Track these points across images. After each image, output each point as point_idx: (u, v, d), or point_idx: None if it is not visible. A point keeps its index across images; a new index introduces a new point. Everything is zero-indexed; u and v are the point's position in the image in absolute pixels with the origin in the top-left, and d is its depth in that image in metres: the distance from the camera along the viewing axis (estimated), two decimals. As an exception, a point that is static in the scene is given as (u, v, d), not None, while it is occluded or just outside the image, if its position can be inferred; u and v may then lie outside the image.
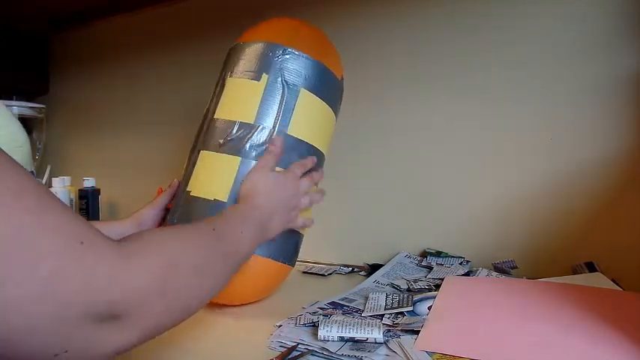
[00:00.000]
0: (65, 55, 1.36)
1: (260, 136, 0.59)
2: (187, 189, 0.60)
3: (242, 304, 0.63)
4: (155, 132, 1.16)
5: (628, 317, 0.51)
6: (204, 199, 0.58)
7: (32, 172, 0.49)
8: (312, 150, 0.64)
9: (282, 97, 0.60)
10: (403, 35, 0.85)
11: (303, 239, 0.68)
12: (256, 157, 0.58)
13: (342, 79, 0.70)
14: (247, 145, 0.58)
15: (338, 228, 0.91)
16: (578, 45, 0.72)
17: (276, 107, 0.60)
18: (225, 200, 0.57)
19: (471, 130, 0.80)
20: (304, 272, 0.84)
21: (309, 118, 0.63)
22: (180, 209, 0.60)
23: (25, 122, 1.25)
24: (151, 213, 0.62)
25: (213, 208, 0.57)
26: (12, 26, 1.23)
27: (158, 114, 1.17)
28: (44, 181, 1.20)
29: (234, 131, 0.59)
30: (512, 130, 0.77)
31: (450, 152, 0.82)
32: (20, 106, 1.21)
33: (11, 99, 1.21)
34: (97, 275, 0.28)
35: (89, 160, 1.30)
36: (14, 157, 0.28)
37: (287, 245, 0.63)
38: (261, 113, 0.59)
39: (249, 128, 0.59)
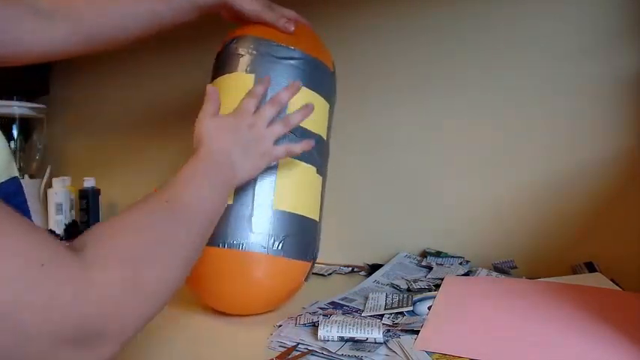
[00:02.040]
0: (65, 55, 1.36)
1: None
2: None
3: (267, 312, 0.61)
4: (155, 132, 1.16)
5: (628, 317, 0.51)
6: None
7: (15, 177, 0.49)
8: (307, 133, 0.61)
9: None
10: (404, 35, 0.85)
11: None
12: None
13: (334, 69, 0.69)
14: None
15: (338, 228, 0.91)
16: (578, 45, 0.72)
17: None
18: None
19: (471, 130, 0.80)
20: (304, 272, 0.84)
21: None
22: None
23: (26, 122, 1.25)
24: None
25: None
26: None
27: (158, 114, 1.16)
28: (44, 181, 1.20)
29: None
30: (512, 130, 0.77)
31: (450, 152, 0.82)
32: (20, 106, 1.21)
33: (11, 99, 1.21)
34: (60, 298, 0.26)
35: (89, 160, 1.30)
36: None
37: (296, 240, 0.58)
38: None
39: None
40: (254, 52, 0.61)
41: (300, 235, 0.59)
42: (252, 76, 0.59)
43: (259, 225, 0.56)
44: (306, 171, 0.61)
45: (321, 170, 0.65)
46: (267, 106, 0.55)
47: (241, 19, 0.64)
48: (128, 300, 0.30)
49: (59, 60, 0.60)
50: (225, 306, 0.59)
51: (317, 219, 0.63)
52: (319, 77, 0.64)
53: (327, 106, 0.67)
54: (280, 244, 0.56)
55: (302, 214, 0.59)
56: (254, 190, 0.57)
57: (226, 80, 0.61)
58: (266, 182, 0.57)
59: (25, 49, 0.53)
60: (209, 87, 0.55)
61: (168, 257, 0.36)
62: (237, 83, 0.60)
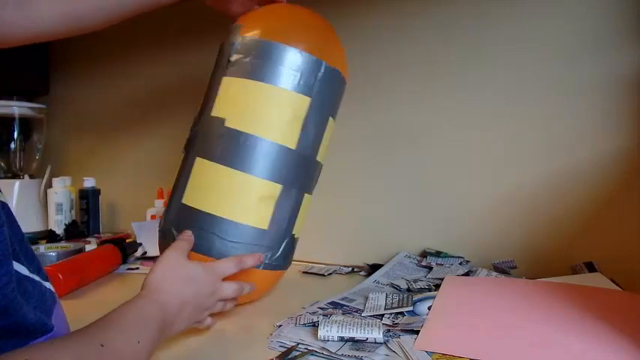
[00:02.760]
0: (65, 55, 1.36)
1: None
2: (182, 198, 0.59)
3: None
4: (155, 132, 1.16)
5: (627, 317, 0.51)
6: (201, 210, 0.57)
7: None
8: (317, 165, 0.65)
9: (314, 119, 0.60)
10: (404, 35, 0.85)
11: (303, 239, 0.68)
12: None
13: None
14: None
15: (338, 228, 0.91)
16: (578, 45, 0.72)
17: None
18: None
19: (470, 130, 0.80)
20: (304, 272, 0.84)
21: (324, 139, 0.64)
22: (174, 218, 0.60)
23: (26, 122, 1.25)
24: None
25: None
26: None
27: (159, 114, 1.16)
28: (44, 181, 1.20)
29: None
30: (511, 130, 0.77)
31: (449, 152, 0.82)
32: (20, 106, 1.21)
33: (11, 99, 1.21)
34: None
35: (89, 160, 1.30)
36: None
37: (290, 252, 0.64)
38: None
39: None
40: (261, 56, 0.58)
41: (293, 251, 0.65)
42: (253, 82, 0.58)
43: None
44: (309, 201, 0.66)
45: (312, 191, 0.67)
46: (233, 285, 0.53)
47: (220, 6, 0.64)
48: None
49: (43, 43, 0.59)
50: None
51: (298, 234, 0.66)
52: (336, 92, 0.64)
53: (334, 124, 0.67)
54: (287, 261, 0.63)
55: (298, 236, 0.65)
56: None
57: (233, 83, 0.59)
58: (297, 212, 0.62)
59: (5, 32, 0.53)
60: (187, 232, 0.56)
61: None
62: (240, 89, 0.59)
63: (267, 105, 0.58)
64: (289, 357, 0.45)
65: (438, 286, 0.65)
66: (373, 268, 0.81)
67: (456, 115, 0.81)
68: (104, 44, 1.27)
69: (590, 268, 0.69)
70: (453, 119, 0.81)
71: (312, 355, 0.46)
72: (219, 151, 0.57)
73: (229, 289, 0.52)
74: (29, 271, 0.38)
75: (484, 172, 0.79)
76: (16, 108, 1.21)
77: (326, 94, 0.61)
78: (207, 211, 0.57)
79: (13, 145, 1.22)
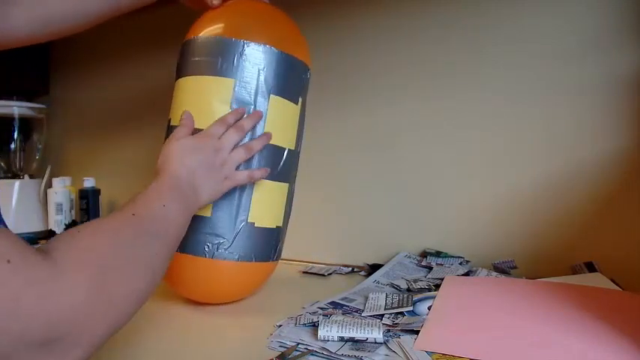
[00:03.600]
0: (65, 55, 1.36)
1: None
2: None
3: (222, 304, 0.64)
4: (156, 132, 1.16)
5: (627, 317, 0.51)
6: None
7: None
8: (275, 149, 0.63)
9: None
10: (403, 34, 0.85)
11: (303, 239, 0.68)
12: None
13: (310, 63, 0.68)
14: None
15: (338, 228, 0.91)
16: (578, 45, 0.72)
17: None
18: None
19: (470, 130, 0.80)
20: (304, 272, 0.84)
21: (282, 122, 0.63)
22: None
23: (26, 122, 1.25)
24: None
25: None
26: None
27: (159, 114, 1.16)
28: (44, 181, 1.20)
29: None
30: (512, 130, 0.77)
31: (449, 152, 0.82)
32: (20, 107, 1.22)
33: (11, 99, 1.21)
34: (26, 298, 0.26)
35: (89, 160, 1.30)
36: None
37: (258, 243, 0.61)
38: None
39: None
40: (221, 55, 0.59)
41: (269, 242, 0.63)
42: (212, 78, 0.59)
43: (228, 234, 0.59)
44: (278, 188, 0.63)
45: (290, 179, 0.66)
46: (231, 132, 0.56)
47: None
48: (94, 307, 0.30)
49: (43, 43, 0.59)
50: (195, 294, 0.64)
51: (282, 225, 0.66)
52: (292, 78, 0.63)
53: (298, 112, 0.65)
54: (252, 252, 0.60)
55: (271, 226, 0.63)
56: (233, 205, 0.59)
57: (189, 82, 0.61)
58: (244, 198, 0.60)
59: None
60: (185, 112, 0.58)
61: (136, 267, 0.37)
62: (200, 86, 0.60)
63: (192, 95, 0.60)
64: (289, 357, 0.45)
65: (438, 286, 0.65)
66: (373, 268, 0.81)
67: (456, 114, 0.81)
68: (104, 45, 1.27)
69: (590, 268, 0.69)
70: (453, 119, 0.81)
71: (312, 355, 0.46)
72: None
73: (231, 137, 0.55)
74: None
75: (484, 172, 0.79)
76: (16, 108, 1.21)
77: (246, 72, 0.59)
78: None
79: (13, 145, 1.23)
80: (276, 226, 0.64)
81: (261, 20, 0.63)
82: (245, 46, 0.59)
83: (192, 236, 0.57)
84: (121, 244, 0.36)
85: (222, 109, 0.58)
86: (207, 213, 0.58)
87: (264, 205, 0.62)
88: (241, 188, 0.59)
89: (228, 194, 0.58)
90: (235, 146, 0.56)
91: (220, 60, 0.59)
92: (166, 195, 0.46)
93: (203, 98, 0.59)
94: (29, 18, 0.55)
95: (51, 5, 0.55)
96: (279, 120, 0.62)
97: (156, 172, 0.51)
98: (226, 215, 0.59)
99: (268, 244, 0.63)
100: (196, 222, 0.57)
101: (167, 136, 0.63)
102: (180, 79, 0.63)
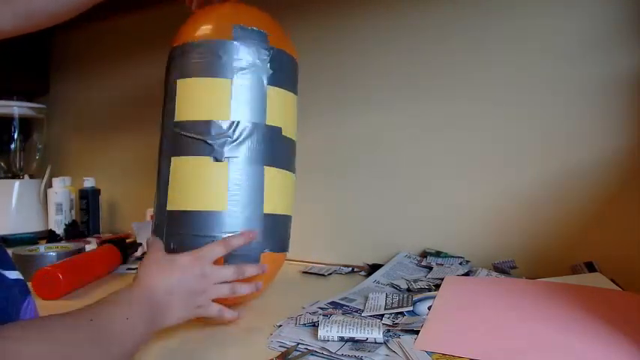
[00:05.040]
0: (65, 55, 1.36)
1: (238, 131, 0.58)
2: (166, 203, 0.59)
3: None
4: (156, 132, 1.16)
5: (627, 317, 0.51)
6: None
7: None
8: (286, 140, 0.64)
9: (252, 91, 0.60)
10: (402, 35, 0.85)
11: (304, 239, 0.68)
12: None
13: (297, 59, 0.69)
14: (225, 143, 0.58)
15: (338, 228, 0.91)
16: (578, 45, 0.72)
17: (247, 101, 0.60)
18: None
19: (470, 130, 0.80)
20: (304, 272, 0.84)
21: (282, 109, 0.63)
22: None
23: (26, 122, 1.25)
24: None
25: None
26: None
27: (159, 114, 1.16)
28: (44, 181, 1.20)
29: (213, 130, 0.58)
30: (512, 130, 0.77)
31: (449, 152, 0.82)
32: (20, 106, 1.22)
33: (11, 99, 1.21)
34: None
35: (89, 160, 1.30)
36: None
37: (274, 234, 0.61)
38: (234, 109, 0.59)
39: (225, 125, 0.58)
40: (216, 55, 0.59)
41: (283, 232, 0.64)
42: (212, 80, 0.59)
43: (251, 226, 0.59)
44: (287, 176, 0.64)
45: (294, 169, 0.67)
46: (228, 268, 0.54)
47: None
48: None
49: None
50: None
51: (291, 213, 0.66)
52: (287, 71, 0.64)
53: (296, 100, 0.67)
54: (269, 243, 0.60)
55: (284, 213, 0.64)
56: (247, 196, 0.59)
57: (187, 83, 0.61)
58: (258, 190, 0.59)
59: None
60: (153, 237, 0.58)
61: None
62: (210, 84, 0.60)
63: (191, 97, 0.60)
64: (289, 357, 0.45)
65: (438, 286, 0.65)
66: (373, 268, 0.81)
67: (456, 115, 0.81)
68: (104, 44, 1.27)
69: (590, 268, 0.69)
70: (453, 119, 0.81)
71: (312, 355, 0.46)
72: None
73: (224, 270, 0.53)
74: None
75: (484, 172, 0.79)
76: (16, 108, 1.21)
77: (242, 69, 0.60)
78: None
79: (13, 145, 1.23)
80: (288, 215, 0.65)
81: (251, 20, 0.63)
82: (240, 45, 0.59)
83: (209, 232, 0.57)
84: (68, 351, 0.33)
85: (221, 110, 0.58)
86: (223, 207, 0.57)
87: (278, 195, 0.62)
88: (257, 179, 0.59)
89: (243, 188, 0.58)
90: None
91: (217, 59, 0.59)
92: (134, 309, 0.43)
93: (201, 99, 0.59)
94: (14, 12, 0.55)
95: (35, 3, 0.56)
96: (282, 109, 0.63)
97: (136, 276, 0.49)
98: (241, 207, 0.58)
99: (284, 234, 0.64)
100: (212, 217, 0.57)
101: (162, 135, 0.63)
102: (178, 81, 0.62)
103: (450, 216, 0.82)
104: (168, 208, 0.59)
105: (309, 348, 0.47)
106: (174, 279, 0.49)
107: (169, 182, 0.60)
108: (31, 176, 1.22)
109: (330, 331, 0.48)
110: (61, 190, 1.14)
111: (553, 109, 0.74)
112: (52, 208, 1.14)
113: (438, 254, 0.80)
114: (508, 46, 0.77)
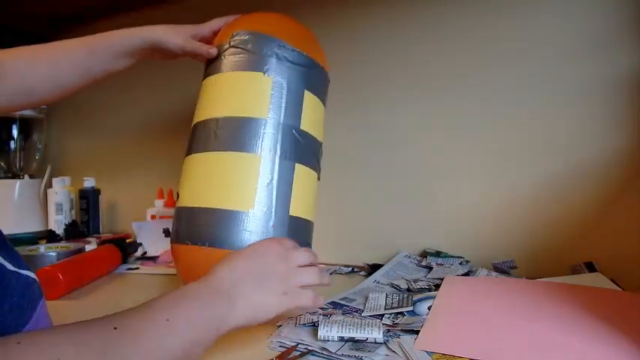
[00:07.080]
0: (65, 55, 1.36)
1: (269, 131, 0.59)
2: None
3: None
4: (156, 132, 1.16)
5: (627, 317, 0.51)
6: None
7: None
8: (316, 143, 0.65)
9: (288, 93, 0.60)
10: (401, 35, 0.85)
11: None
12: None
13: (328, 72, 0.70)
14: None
15: (338, 228, 0.91)
16: (578, 45, 0.72)
17: (283, 103, 0.60)
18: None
19: (470, 130, 0.80)
20: (304, 272, 0.84)
21: (314, 116, 0.64)
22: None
23: (26, 122, 1.25)
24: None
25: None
26: (12, 25, 1.23)
27: (159, 114, 1.17)
28: (44, 181, 1.20)
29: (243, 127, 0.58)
30: (511, 130, 0.77)
31: (449, 152, 0.82)
32: (20, 106, 1.21)
33: (11, 99, 1.20)
34: None
35: (89, 160, 1.30)
36: None
37: (298, 237, 0.60)
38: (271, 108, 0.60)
39: (260, 123, 0.59)
40: (259, 49, 0.61)
41: (307, 236, 0.64)
42: (253, 74, 0.60)
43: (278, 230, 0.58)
44: (314, 179, 0.65)
45: (319, 174, 0.68)
46: (305, 250, 0.48)
47: (170, 57, 0.69)
48: None
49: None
50: None
51: (314, 219, 0.66)
52: (319, 82, 0.66)
53: (324, 110, 0.69)
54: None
55: (309, 218, 0.64)
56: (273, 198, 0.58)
57: (222, 78, 0.62)
58: (284, 191, 0.59)
59: (4, 106, 0.59)
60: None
61: None
62: (236, 80, 0.61)
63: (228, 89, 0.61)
64: (289, 357, 0.45)
65: (438, 286, 0.65)
66: (373, 268, 0.81)
67: (455, 115, 0.81)
68: (104, 44, 1.27)
69: (590, 268, 0.69)
70: (453, 119, 0.81)
71: (312, 355, 0.46)
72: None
73: (303, 253, 0.47)
74: (13, 266, 0.37)
75: (484, 172, 0.79)
76: (16, 108, 1.21)
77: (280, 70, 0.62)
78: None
79: (13, 145, 1.23)
80: (311, 219, 0.65)
81: (286, 27, 0.66)
82: (279, 44, 0.61)
83: (232, 231, 0.56)
84: None
85: (261, 100, 0.59)
86: (248, 208, 0.57)
87: (304, 198, 0.62)
88: (285, 180, 0.58)
89: (266, 188, 0.57)
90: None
91: (258, 56, 0.60)
92: (181, 304, 0.35)
93: (241, 91, 0.60)
94: (10, 93, 0.59)
95: (28, 82, 0.61)
96: (315, 116, 0.65)
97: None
98: (266, 209, 0.57)
99: (306, 238, 0.64)
100: (234, 217, 0.56)
101: (192, 135, 0.63)
102: (213, 76, 0.63)
103: (450, 216, 0.82)
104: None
105: (309, 348, 0.47)
106: (246, 264, 0.42)
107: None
108: (31, 176, 1.22)
109: (330, 331, 0.48)
110: (61, 190, 1.14)
111: (553, 109, 0.74)
112: (52, 208, 1.14)
113: (438, 254, 0.80)
114: (507, 46, 0.77)
